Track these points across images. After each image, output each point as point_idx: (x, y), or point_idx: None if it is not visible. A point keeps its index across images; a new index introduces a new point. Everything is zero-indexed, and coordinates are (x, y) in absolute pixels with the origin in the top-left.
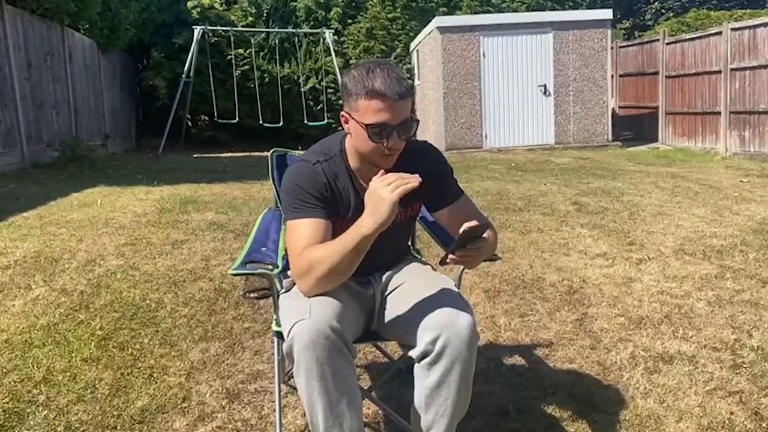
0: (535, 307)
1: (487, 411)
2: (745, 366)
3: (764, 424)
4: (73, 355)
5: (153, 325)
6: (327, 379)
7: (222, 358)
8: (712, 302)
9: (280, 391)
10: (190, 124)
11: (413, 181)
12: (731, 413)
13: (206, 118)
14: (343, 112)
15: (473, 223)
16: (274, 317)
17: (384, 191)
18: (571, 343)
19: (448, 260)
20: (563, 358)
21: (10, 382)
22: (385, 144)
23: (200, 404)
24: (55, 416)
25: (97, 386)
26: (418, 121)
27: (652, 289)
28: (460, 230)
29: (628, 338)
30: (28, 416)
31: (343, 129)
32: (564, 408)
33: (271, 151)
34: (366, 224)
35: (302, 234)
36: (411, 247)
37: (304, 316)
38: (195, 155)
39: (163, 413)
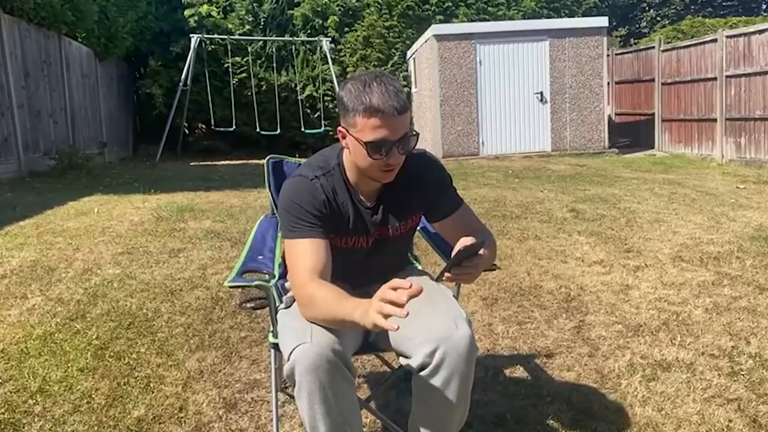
0: (533, 315)
1: (484, 420)
2: (743, 373)
3: None
4: (69, 364)
5: (149, 335)
6: (329, 402)
7: (219, 367)
8: (710, 309)
9: (277, 401)
10: (187, 132)
11: (400, 312)
12: (729, 421)
13: (203, 126)
14: (340, 128)
15: (469, 240)
16: (271, 329)
17: (375, 309)
18: (568, 350)
19: (444, 277)
20: (561, 366)
21: (5, 393)
22: (384, 160)
23: (197, 414)
24: (51, 427)
25: (94, 396)
26: (417, 134)
27: (649, 297)
28: (455, 249)
29: (626, 346)
30: (23, 427)
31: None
32: (562, 416)
33: (267, 157)
34: (358, 315)
35: (303, 256)
36: (409, 254)
37: (305, 340)
38: (192, 163)
39: (160, 423)
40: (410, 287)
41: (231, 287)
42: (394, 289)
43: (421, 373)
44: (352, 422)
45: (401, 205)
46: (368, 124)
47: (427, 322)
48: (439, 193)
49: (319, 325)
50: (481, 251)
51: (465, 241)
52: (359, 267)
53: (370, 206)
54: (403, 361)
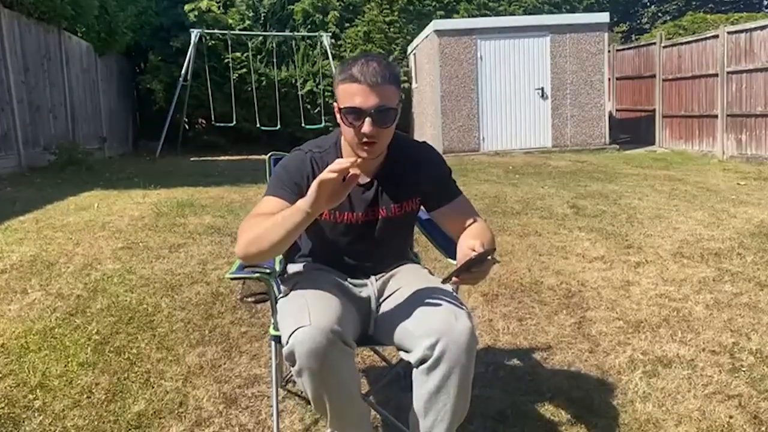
0: (533, 311)
1: (485, 416)
2: (743, 369)
3: (763, 428)
4: (69, 359)
5: (150, 330)
6: (329, 380)
7: (219, 362)
8: (711, 305)
9: (277, 396)
10: (187, 127)
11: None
12: (730, 417)
13: (203, 121)
14: (335, 104)
15: (479, 247)
16: (272, 321)
17: (319, 179)
18: (569, 346)
19: (451, 281)
20: (562, 362)
21: (5, 387)
22: (357, 128)
23: (197, 409)
24: (51, 422)
25: (94, 391)
26: (395, 109)
27: (650, 293)
28: (462, 256)
29: (627, 342)
30: (23, 422)
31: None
32: (563, 412)
33: (269, 153)
34: (303, 202)
35: (263, 207)
36: (409, 251)
37: (304, 322)
38: (192, 159)
39: (160, 418)
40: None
41: (232, 279)
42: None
43: (422, 367)
44: (354, 392)
45: (397, 185)
46: (344, 90)
47: (427, 315)
48: (437, 181)
49: (317, 310)
50: (489, 257)
51: (473, 245)
52: (354, 252)
53: (363, 183)
54: (403, 354)
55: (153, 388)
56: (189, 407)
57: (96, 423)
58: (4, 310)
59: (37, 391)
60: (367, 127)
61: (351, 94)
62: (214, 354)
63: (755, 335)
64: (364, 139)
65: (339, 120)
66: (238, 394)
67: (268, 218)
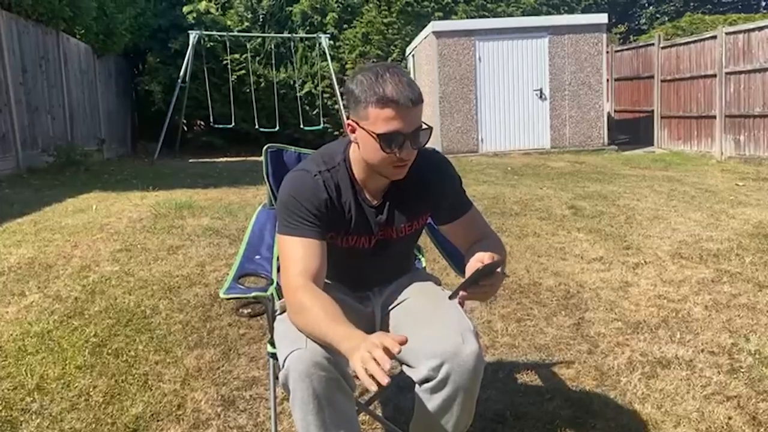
0: (532, 312)
1: (484, 417)
2: (742, 370)
3: (762, 429)
4: (66, 362)
5: (148, 332)
6: (323, 413)
7: (217, 364)
8: (709, 306)
9: (275, 398)
10: (185, 129)
11: (382, 377)
12: (729, 418)
13: (202, 123)
14: (349, 121)
15: (487, 258)
16: (269, 338)
17: (360, 360)
18: (568, 347)
19: (458, 296)
20: (560, 364)
21: (3, 390)
22: (397, 154)
23: (195, 411)
24: (49, 424)
25: (91, 394)
26: (431, 129)
27: (649, 294)
28: (469, 265)
29: (626, 343)
30: (21, 424)
31: (341, 135)
32: (561, 414)
33: (266, 146)
34: (345, 349)
35: (296, 257)
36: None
37: (300, 345)
38: (191, 160)
39: (158, 421)
40: (400, 344)
41: (227, 299)
42: (384, 348)
43: (425, 386)
44: None
45: (408, 205)
46: (381, 115)
47: (433, 333)
48: (449, 194)
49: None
50: (499, 270)
51: (482, 257)
52: (361, 268)
53: (375, 205)
54: (406, 370)
55: (151, 390)
56: (187, 409)
57: (94, 426)
58: (2, 313)
59: (35, 393)
60: (407, 152)
61: (389, 118)
62: (212, 356)
63: (754, 336)
64: (398, 163)
65: (363, 143)
66: (236, 396)
67: (316, 312)
